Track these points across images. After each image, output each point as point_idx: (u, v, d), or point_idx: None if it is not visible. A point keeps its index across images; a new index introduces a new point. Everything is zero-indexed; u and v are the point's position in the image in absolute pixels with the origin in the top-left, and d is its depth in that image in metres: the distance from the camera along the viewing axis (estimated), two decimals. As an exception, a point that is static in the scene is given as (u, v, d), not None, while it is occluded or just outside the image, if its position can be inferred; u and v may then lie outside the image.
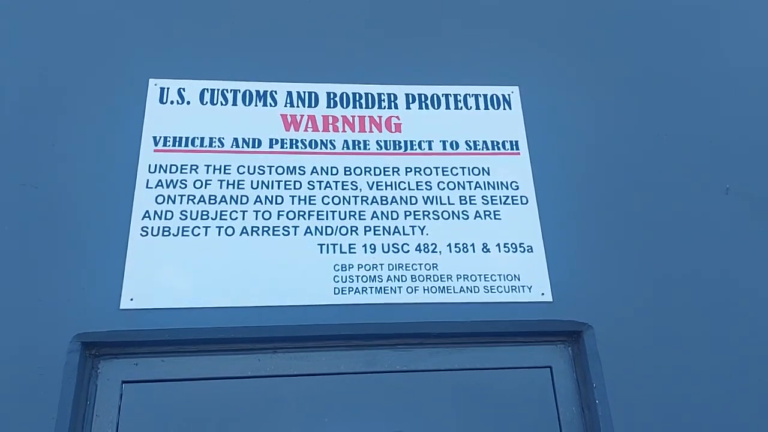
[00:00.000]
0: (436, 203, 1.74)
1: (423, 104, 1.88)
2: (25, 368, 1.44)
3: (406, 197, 1.74)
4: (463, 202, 1.75)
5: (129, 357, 1.54)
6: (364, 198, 1.73)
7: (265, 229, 1.65)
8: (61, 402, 1.42)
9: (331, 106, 1.85)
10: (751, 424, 1.57)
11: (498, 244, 1.71)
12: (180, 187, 1.68)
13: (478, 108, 1.89)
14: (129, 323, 1.51)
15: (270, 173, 1.72)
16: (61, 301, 1.51)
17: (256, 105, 1.82)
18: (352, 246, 1.66)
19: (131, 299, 1.53)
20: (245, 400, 1.52)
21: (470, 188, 1.78)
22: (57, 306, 1.51)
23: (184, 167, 1.70)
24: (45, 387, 1.43)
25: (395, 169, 1.78)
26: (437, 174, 1.78)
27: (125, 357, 1.54)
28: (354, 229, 1.69)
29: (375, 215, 1.71)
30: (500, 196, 1.77)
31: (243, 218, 1.66)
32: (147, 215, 1.63)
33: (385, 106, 1.86)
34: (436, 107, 1.88)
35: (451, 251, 1.69)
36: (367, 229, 1.69)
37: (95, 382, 1.51)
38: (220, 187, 1.69)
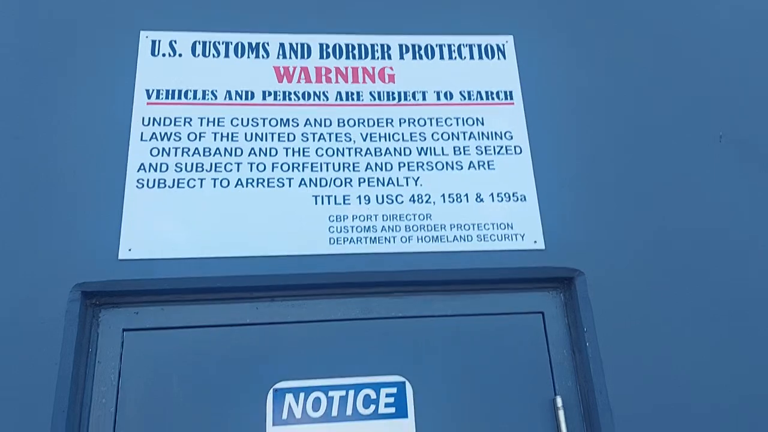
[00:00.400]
0: (430, 154, 1.75)
1: (416, 54, 1.87)
2: (28, 317, 1.48)
3: (400, 148, 1.75)
4: (457, 152, 1.76)
5: (129, 306, 1.57)
6: (358, 149, 1.73)
7: (260, 180, 1.67)
8: (63, 350, 1.45)
9: (324, 57, 1.84)
10: (739, 367, 1.61)
11: (491, 194, 1.72)
12: (174, 139, 1.68)
13: (472, 58, 1.88)
14: (128, 273, 1.54)
15: (263, 125, 1.73)
16: (60, 252, 1.54)
17: (248, 57, 1.81)
18: (346, 197, 1.68)
19: (129, 250, 1.55)
20: (244, 346, 1.56)
21: (464, 139, 1.78)
22: (57, 257, 1.53)
23: (177, 120, 1.70)
24: (47, 336, 1.46)
25: (389, 120, 1.78)
26: (431, 125, 1.78)
27: (125, 306, 1.57)
28: (348, 180, 1.70)
29: (369, 166, 1.72)
30: (494, 146, 1.78)
31: (237, 170, 1.67)
32: (142, 167, 1.64)
33: (378, 57, 1.85)
34: (429, 57, 1.87)
35: (444, 201, 1.70)
36: (362, 180, 1.70)
37: (96, 330, 1.54)
38: (214, 140, 1.69)
